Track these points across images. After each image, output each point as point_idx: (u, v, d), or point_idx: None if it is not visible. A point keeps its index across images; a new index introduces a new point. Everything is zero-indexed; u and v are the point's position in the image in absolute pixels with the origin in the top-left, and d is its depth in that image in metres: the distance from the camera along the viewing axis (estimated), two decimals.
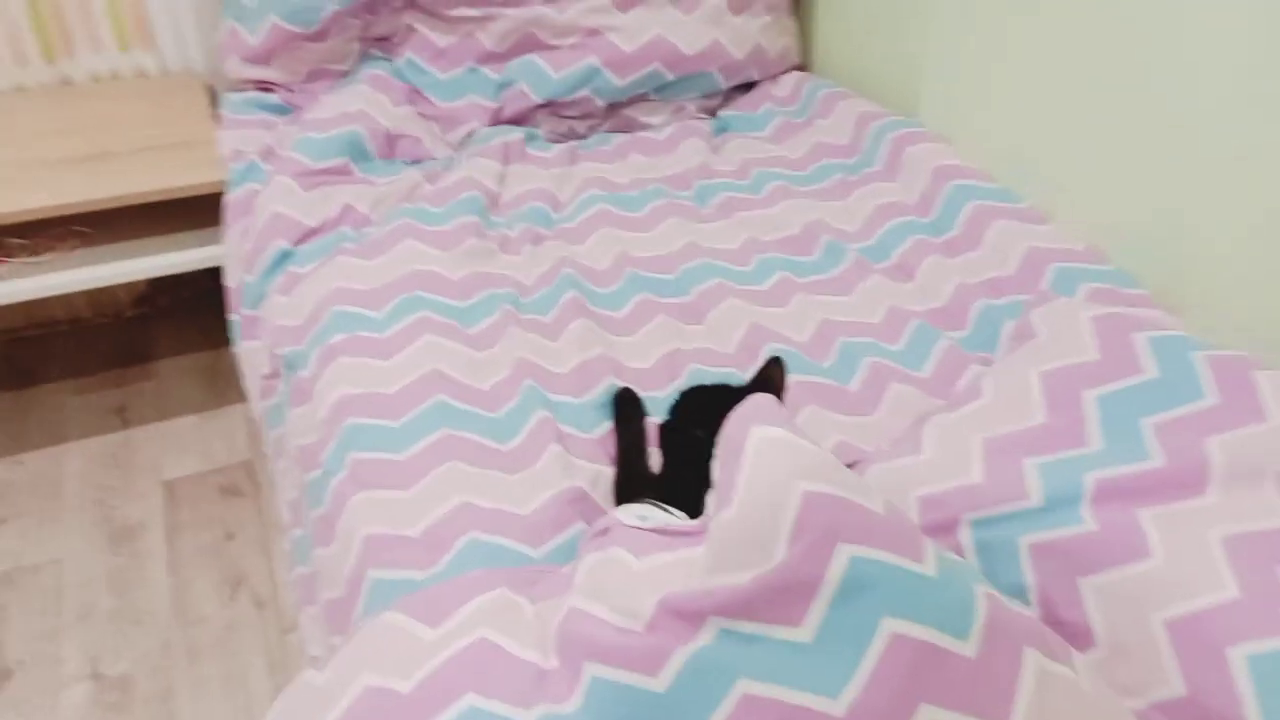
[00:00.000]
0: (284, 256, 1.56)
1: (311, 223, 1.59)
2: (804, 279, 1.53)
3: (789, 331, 1.41)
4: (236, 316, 1.60)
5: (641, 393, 1.29)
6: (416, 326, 1.36)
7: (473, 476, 1.14)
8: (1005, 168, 1.63)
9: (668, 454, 1.09)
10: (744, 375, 1.34)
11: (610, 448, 1.21)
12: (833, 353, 1.37)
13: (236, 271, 1.62)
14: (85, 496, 1.80)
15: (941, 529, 1.00)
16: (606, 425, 1.24)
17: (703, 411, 1.02)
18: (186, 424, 1.97)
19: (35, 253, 1.70)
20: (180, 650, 1.54)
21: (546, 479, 1.14)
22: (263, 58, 1.83)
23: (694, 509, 0.93)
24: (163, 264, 1.73)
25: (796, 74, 2.07)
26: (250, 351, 1.56)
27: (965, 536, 0.99)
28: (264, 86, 1.88)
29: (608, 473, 1.17)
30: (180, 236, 1.79)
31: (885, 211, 1.64)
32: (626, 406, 1.26)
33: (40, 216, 1.60)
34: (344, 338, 1.35)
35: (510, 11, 1.83)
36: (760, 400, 0.89)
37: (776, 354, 1.02)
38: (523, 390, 1.27)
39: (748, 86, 2.08)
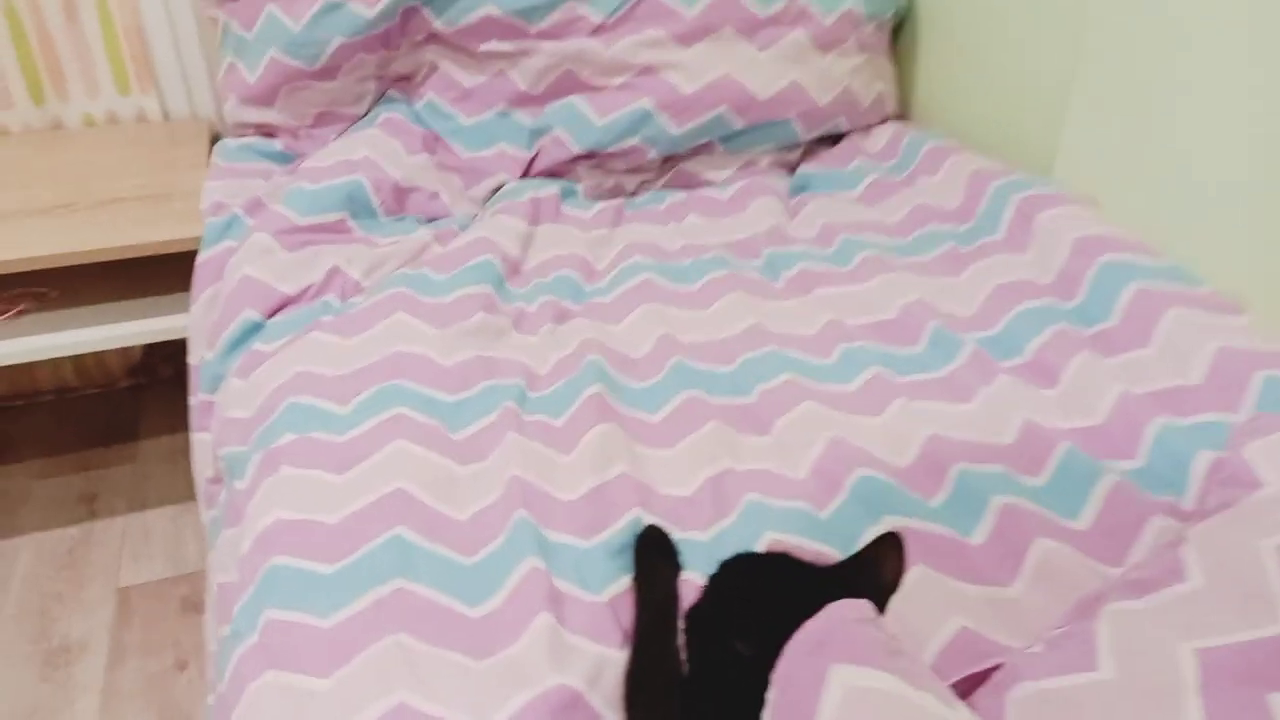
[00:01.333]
0: (251, 330, 1.26)
1: (288, 289, 1.29)
2: (904, 377, 1.15)
3: (883, 451, 1.04)
4: (194, 401, 1.31)
5: (676, 534, 0.93)
6: (387, 428, 1.04)
7: (421, 662, 0.79)
8: (1176, 241, 1.24)
9: (692, 662, 0.72)
10: (819, 513, 0.97)
11: (626, 617, 0.85)
12: (946, 485, 0.99)
13: (198, 347, 1.33)
14: (28, 604, 1.52)
15: None
16: (624, 581, 0.88)
17: (754, 600, 0.65)
18: (159, 518, 1.68)
19: None
20: None
21: (525, 670, 0.78)
22: (264, 98, 1.57)
23: None
24: (125, 334, 1.46)
25: (894, 125, 1.72)
26: (199, 446, 1.26)
27: None
28: (266, 132, 1.62)
29: (617, 659, 0.80)
30: (154, 301, 1.51)
31: (1011, 292, 1.26)
32: (653, 555, 0.90)
33: None
34: (292, 440, 1.03)
35: (548, 45, 1.53)
36: (844, 613, 0.53)
37: (894, 530, 0.65)
38: (511, 526, 0.92)
39: (834, 140, 1.73)
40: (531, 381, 1.14)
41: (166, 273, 1.48)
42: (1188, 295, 1.14)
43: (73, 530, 1.65)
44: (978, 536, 0.92)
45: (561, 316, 1.27)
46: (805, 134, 1.65)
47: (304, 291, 1.30)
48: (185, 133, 1.77)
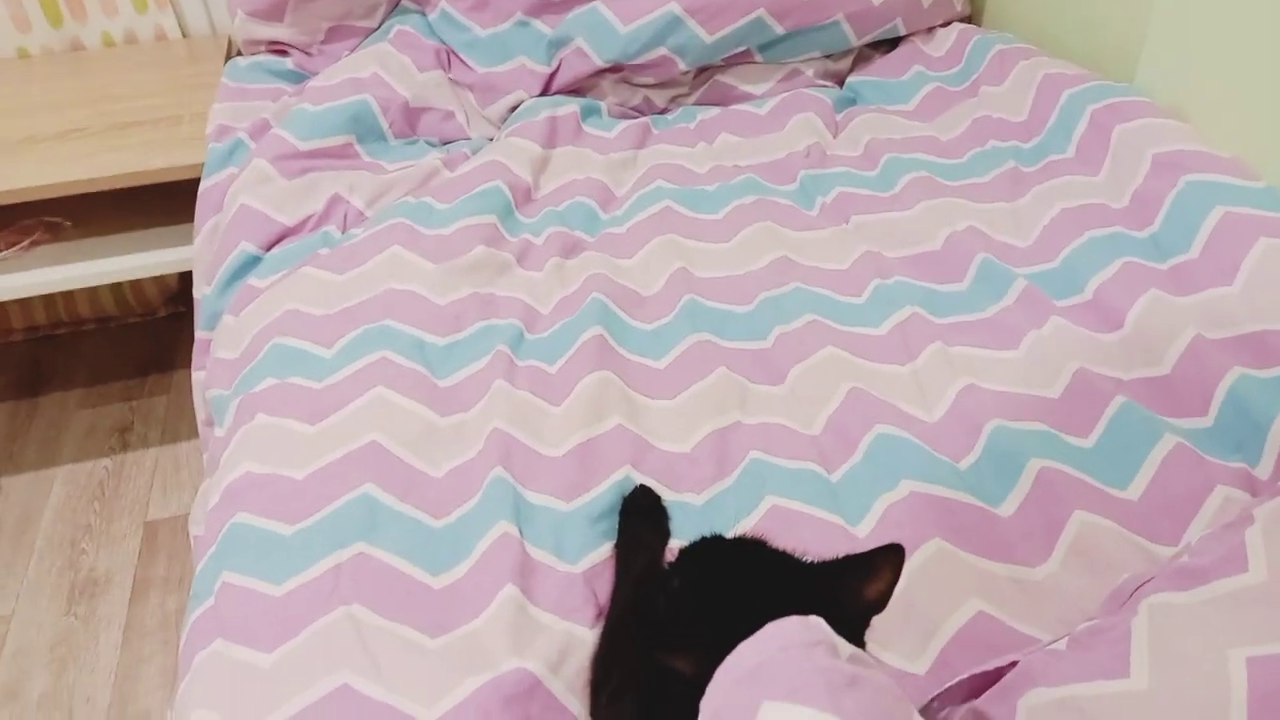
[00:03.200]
0: (249, 264, 1.20)
1: (287, 220, 1.22)
2: (942, 319, 1.02)
3: (909, 404, 0.92)
4: (197, 337, 1.26)
5: (669, 496, 0.85)
6: (368, 373, 0.96)
7: (372, 638, 0.73)
8: (1276, 160, 1.06)
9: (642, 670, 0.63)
10: (829, 475, 0.86)
11: (603, 590, 0.77)
12: (978, 445, 0.87)
13: (200, 280, 1.27)
14: (59, 536, 1.53)
15: None
16: (605, 550, 0.80)
17: (706, 605, 0.55)
18: (191, 450, 1.67)
19: None
20: None
21: (482, 650, 0.71)
22: (272, 11, 1.48)
23: None
24: (137, 265, 1.42)
25: (960, 27, 1.53)
26: (197, 386, 1.21)
27: None
28: (278, 49, 1.53)
29: (587, 639, 0.73)
30: (170, 230, 1.47)
31: (1077, 219, 1.11)
32: (639, 522, 0.82)
33: None
34: (271, 385, 0.97)
35: None
36: (787, 636, 0.44)
37: (897, 544, 0.55)
38: (488, 484, 0.84)
39: (891, 45, 1.56)
40: (530, 322, 1.06)
41: (185, 199, 1.43)
42: None
43: (106, 462, 1.66)
44: (1008, 506, 0.81)
45: (571, 249, 1.17)
46: (856, 38, 1.48)
47: (304, 222, 1.23)
48: (203, 50, 1.70)
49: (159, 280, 1.93)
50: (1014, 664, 0.66)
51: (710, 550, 0.60)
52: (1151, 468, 0.82)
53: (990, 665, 0.66)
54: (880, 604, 0.55)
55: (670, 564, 0.61)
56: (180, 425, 1.72)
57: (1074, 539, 0.78)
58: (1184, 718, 0.56)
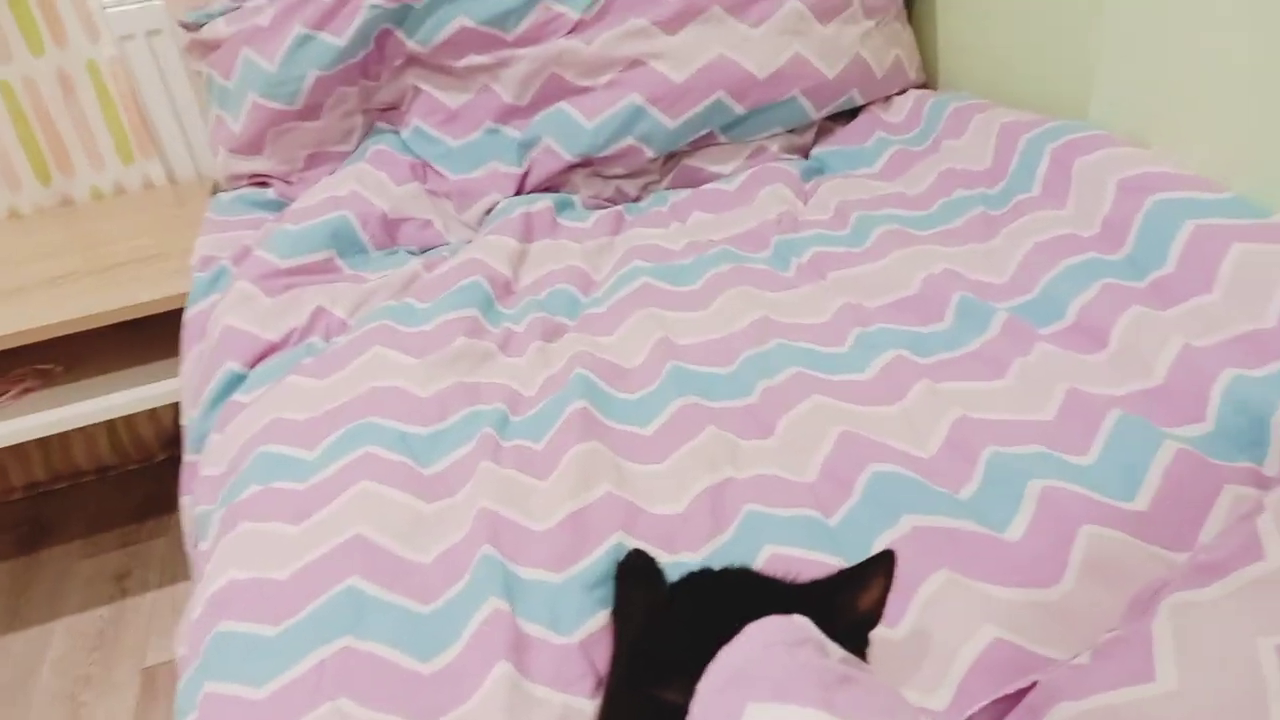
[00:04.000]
0: (233, 382, 1.19)
1: (272, 336, 1.22)
2: (927, 359, 1.01)
3: (902, 441, 0.90)
4: (185, 464, 1.25)
5: (665, 558, 0.82)
6: (352, 469, 0.95)
7: None
8: (1238, 172, 1.07)
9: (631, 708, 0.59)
10: (827, 519, 0.84)
11: (601, 658, 0.74)
12: (976, 473, 0.84)
13: (188, 406, 1.27)
14: (57, 690, 1.48)
15: None
16: (601, 617, 0.77)
17: (694, 634, 0.52)
18: (188, 591, 1.62)
19: None
20: None
21: None
22: (251, 146, 1.53)
23: None
24: (126, 401, 1.42)
25: (915, 93, 1.57)
26: (184, 511, 1.19)
27: None
28: (260, 181, 1.58)
29: (586, 708, 0.69)
30: (159, 366, 1.48)
31: (1049, 251, 1.11)
32: (635, 585, 0.78)
33: None
34: (256, 491, 0.95)
35: (528, 51, 1.45)
36: (769, 635, 0.41)
37: (889, 549, 0.52)
38: (476, 564, 0.82)
39: (851, 115, 1.60)
40: (515, 405, 1.04)
41: (170, 336, 1.45)
42: (1254, 228, 0.97)
43: (104, 610, 1.62)
44: (1014, 530, 0.78)
45: (552, 333, 1.17)
46: (815, 111, 1.52)
47: (287, 336, 1.23)
48: (190, 193, 1.75)
49: (155, 424, 1.93)
50: (1034, 684, 0.62)
51: (697, 582, 0.57)
52: (1157, 476, 0.79)
53: (1011, 688, 0.62)
54: (875, 615, 0.52)
55: (653, 604, 0.58)
56: (178, 567, 1.69)
57: (1085, 555, 0.74)
58: (1219, 713, 0.52)
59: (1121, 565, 0.73)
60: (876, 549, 0.78)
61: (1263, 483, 0.76)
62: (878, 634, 0.63)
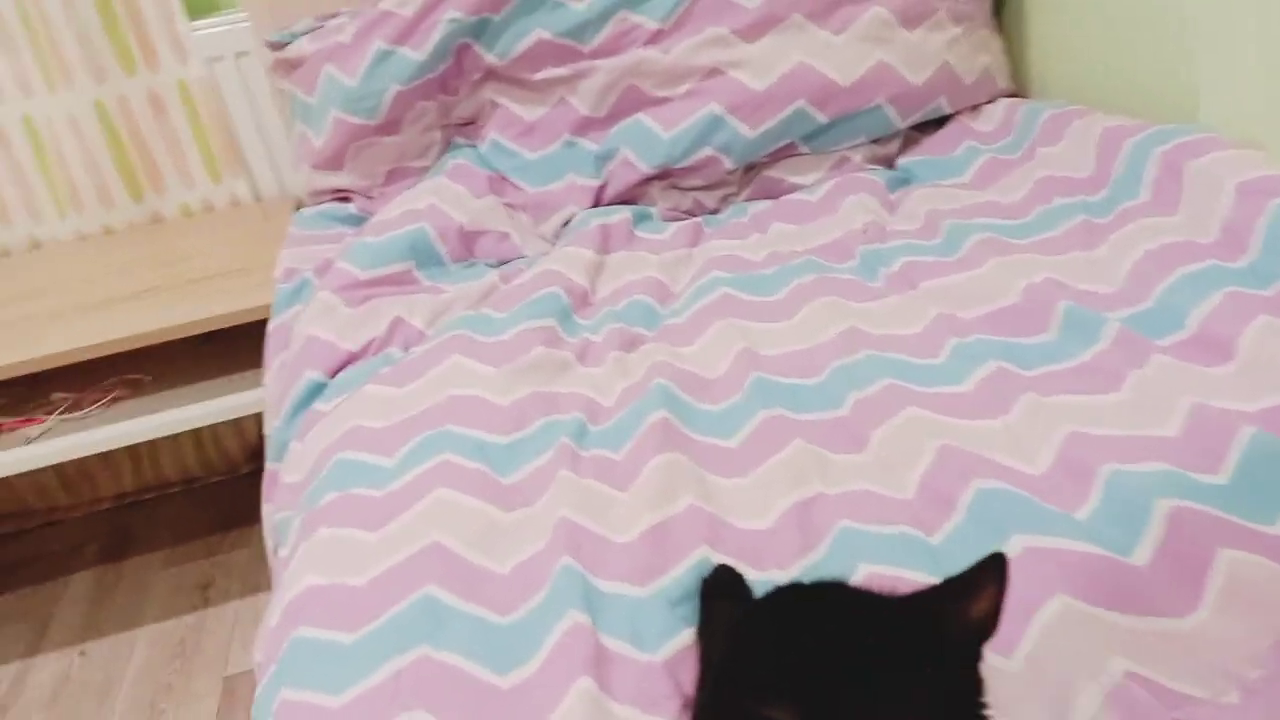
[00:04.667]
0: (314, 391, 1.19)
1: (351, 346, 1.22)
2: (1032, 371, 0.95)
3: (1009, 457, 0.84)
4: (267, 472, 1.25)
5: (753, 574, 0.77)
6: (429, 477, 0.93)
7: None
8: None
9: None
10: (929, 538, 0.78)
11: (687, 679, 0.70)
12: (1095, 492, 0.78)
13: (270, 416, 1.27)
14: (139, 698, 1.49)
15: None
16: (686, 635, 0.73)
17: (790, 648, 0.48)
18: (269, 601, 1.64)
19: (78, 406, 1.46)
20: None
21: None
22: (333, 161, 1.54)
23: None
24: (211, 411, 1.44)
25: (1006, 101, 1.52)
26: (265, 519, 1.19)
27: None
28: (341, 197, 1.59)
29: None
30: (243, 377, 1.49)
31: (1163, 258, 1.04)
32: (721, 601, 0.74)
33: (62, 363, 1.35)
34: (334, 498, 0.94)
35: (605, 62, 1.43)
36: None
37: (999, 552, 0.48)
38: (555, 575, 0.79)
39: (938, 124, 1.55)
40: (593, 415, 1.02)
41: (254, 349, 1.46)
42: None
43: (188, 619, 1.64)
44: (1140, 554, 0.72)
45: (630, 344, 1.15)
46: (901, 120, 1.47)
47: (366, 346, 1.22)
48: (275, 210, 1.78)
49: (240, 437, 1.96)
50: None
51: (788, 596, 0.53)
52: None
53: None
54: (990, 625, 0.47)
55: (741, 618, 0.54)
56: (260, 577, 1.70)
57: (1224, 581, 0.68)
58: None
59: (1265, 594, 0.66)
60: None
61: None
62: (990, 663, 0.58)
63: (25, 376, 1.38)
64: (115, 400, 1.47)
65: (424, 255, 1.37)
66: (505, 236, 1.44)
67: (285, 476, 1.09)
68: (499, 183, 1.50)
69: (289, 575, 0.88)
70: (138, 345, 1.37)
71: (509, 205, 1.48)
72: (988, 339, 1.01)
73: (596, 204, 1.46)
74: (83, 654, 1.60)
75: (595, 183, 1.46)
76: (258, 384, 1.45)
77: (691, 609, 0.75)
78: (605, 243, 1.36)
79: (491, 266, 1.40)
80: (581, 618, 0.73)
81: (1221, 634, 0.65)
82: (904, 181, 1.45)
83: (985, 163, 1.40)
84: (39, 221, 1.74)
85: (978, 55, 1.51)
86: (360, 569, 0.83)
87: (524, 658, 0.73)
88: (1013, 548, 0.74)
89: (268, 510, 1.18)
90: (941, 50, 1.46)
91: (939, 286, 1.13)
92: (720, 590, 0.76)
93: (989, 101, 1.53)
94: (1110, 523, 0.75)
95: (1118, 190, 1.19)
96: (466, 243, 1.41)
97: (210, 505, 1.94)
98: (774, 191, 1.47)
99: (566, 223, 1.45)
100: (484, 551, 0.83)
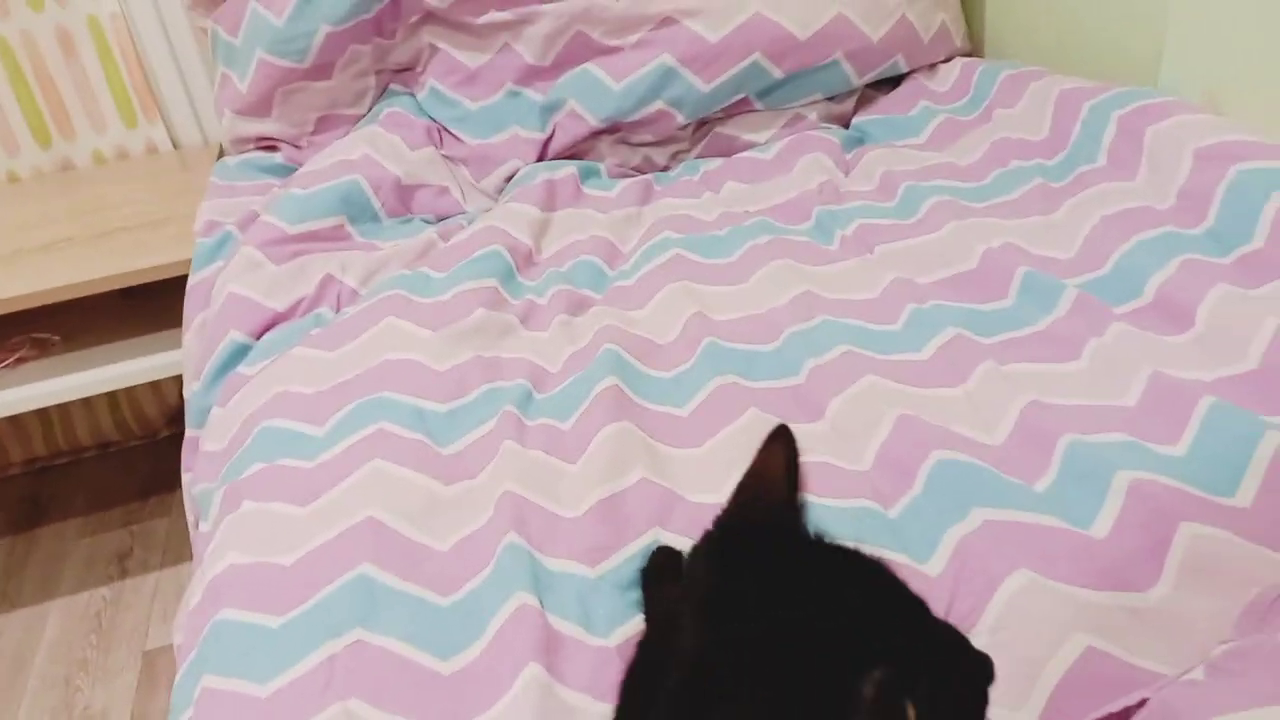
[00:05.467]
0: (238, 353, 1.12)
1: (277, 305, 1.15)
2: (990, 338, 0.93)
3: (967, 427, 0.82)
4: (186, 439, 1.17)
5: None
6: (363, 446, 0.87)
7: None
8: None
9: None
10: (886, 511, 0.76)
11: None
12: (1054, 463, 0.76)
13: (188, 379, 1.20)
14: (53, 675, 1.42)
15: None
16: (640, 620, 0.69)
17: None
18: (191, 572, 1.56)
19: None
20: None
21: None
22: (258, 107, 1.45)
23: None
24: (124, 373, 1.35)
25: (962, 60, 1.48)
26: (185, 489, 1.12)
27: None
28: (267, 145, 1.50)
29: None
30: (160, 337, 1.40)
31: (1121, 224, 1.03)
32: (664, 587, 0.71)
33: None
34: (259, 469, 0.88)
35: (553, 7, 1.36)
36: None
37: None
38: (500, 552, 0.74)
39: (894, 83, 1.51)
40: (539, 381, 0.97)
41: (174, 307, 1.37)
42: None
43: (104, 591, 1.56)
44: (1100, 526, 0.70)
45: (578, 307, 1.10)
46: (857, 78, 1.43)
47: (295, 306, 1.16)
48: (195, 160, 1.68)
49: (160, 400, 1.87)
50: (1143, 702, 0.54)
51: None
52: (1260, 469, 0.71)
53: (1117, 706, 0.54)
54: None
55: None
56: (183, 547, 1.63)
57: (1185, 555, 0.66)
58: None
59: (1228, 567, 0.65)
60: (944, 543, 0.72)
61: None
62: None
63: None
64: (20, 360, 1.37)
65: (357, 209, 1.29)
66: (444, 191, 1.37)
67: (206, 444, 1.03)
68: (438, 133, 1.42)
69: (211, 552, 0.82)
70: (48, 301, 1.27)
71: (448, 158, 1.41)
72: (946, 305, 0.99)
73: (541, 158, 1.39)
74: None
75: (540, 136, 1.39)
76: (177, 344, 1.37)
77: (638, 591, 0.71)
78: (551, 199, 1.30)
79: (429, 223, 1.33)
80: (529, 598, 0.69)
81: (1185, 609, 0.64)
82: (859, 141, 1.42)
83: (941, 123, 1.38)
84: None
85: (936, 12, 1.47)
86: (289, 546, 0.78)
87: (467, 641, 0.68)
88: (972, 521, 0.72)
89: (187, 480, 1.11)
90: (900, 5, 1.42)
91: (895, 250, 1.10)
92: (662, 575, 0.72)
93: (945, 60, 1.50)
94: (1070, 494, 0.73)
95: (1075, 153, 1.18)
96: (403, 197, 1.34)
97: (127, 471, 1.85)
98: (726, 149, 1.43)
99: (509, 178, 1.39)
100: (423, 527, 0.79)
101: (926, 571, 0.70)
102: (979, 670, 0.45)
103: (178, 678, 0.73)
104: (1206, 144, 1.02)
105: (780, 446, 0.54)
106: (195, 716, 0.67)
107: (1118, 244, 1.00)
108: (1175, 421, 0.77)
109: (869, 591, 0.47)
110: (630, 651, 0.59)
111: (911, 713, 0.40)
